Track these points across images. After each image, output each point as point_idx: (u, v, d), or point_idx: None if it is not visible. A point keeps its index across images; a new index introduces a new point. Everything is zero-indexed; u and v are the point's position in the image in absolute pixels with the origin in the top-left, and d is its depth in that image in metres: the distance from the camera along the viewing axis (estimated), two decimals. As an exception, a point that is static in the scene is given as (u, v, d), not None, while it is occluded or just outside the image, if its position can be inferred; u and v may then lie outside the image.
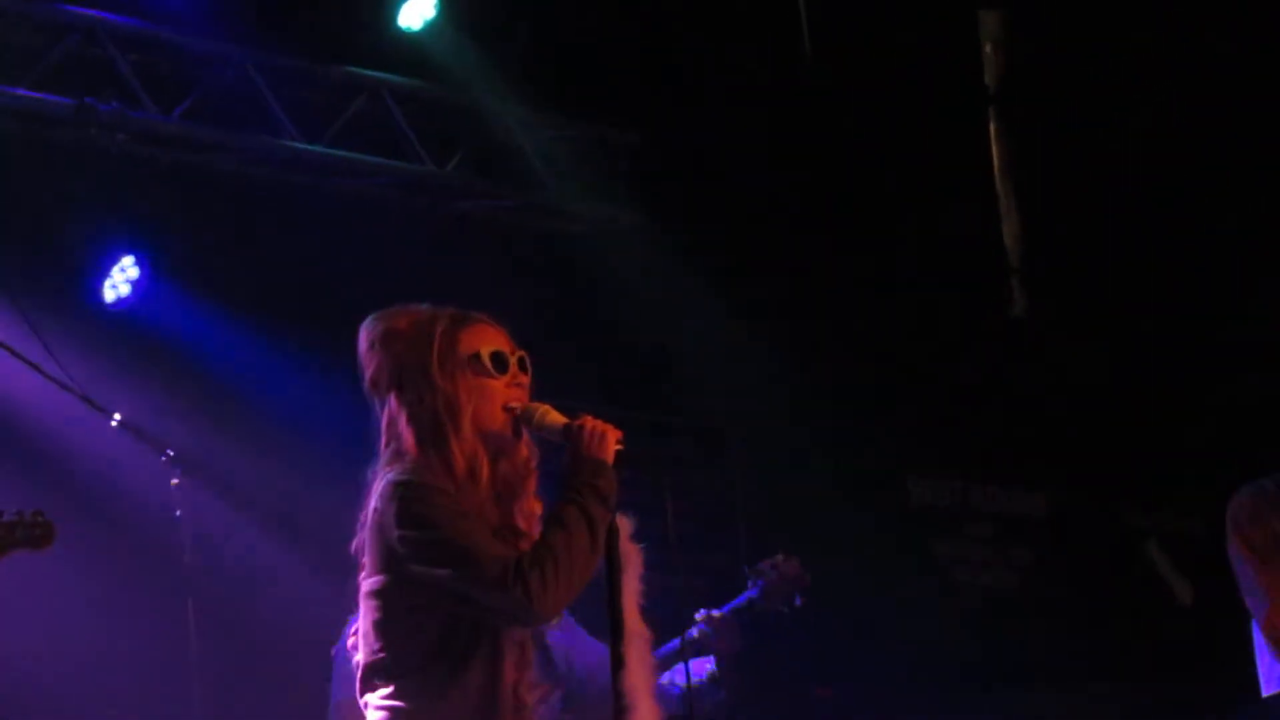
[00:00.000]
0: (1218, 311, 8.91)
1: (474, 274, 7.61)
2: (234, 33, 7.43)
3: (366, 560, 3.47)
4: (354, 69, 7.85)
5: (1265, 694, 5.17)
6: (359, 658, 3.49)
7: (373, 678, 3.43)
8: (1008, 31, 8.84)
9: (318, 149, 7.71)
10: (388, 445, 3.52)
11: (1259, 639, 5.13)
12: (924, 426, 8.95)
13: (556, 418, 3.52)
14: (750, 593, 5.50)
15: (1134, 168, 8.69)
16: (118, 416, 6.75)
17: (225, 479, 7.33)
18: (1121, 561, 9.63)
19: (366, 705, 3.44)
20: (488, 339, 3.56)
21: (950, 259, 8.80)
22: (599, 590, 3.44)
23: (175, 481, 6.76)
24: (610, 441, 3.47)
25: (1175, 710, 7.96)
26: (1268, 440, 6.89)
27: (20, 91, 7.02)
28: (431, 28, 7.74)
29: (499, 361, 3.54)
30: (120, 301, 7.44)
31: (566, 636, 4.94)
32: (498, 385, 3.52)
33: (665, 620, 3.65)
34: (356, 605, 3.50)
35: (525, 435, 3.55)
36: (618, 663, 3.39)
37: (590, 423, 3.48)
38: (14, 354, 6.32)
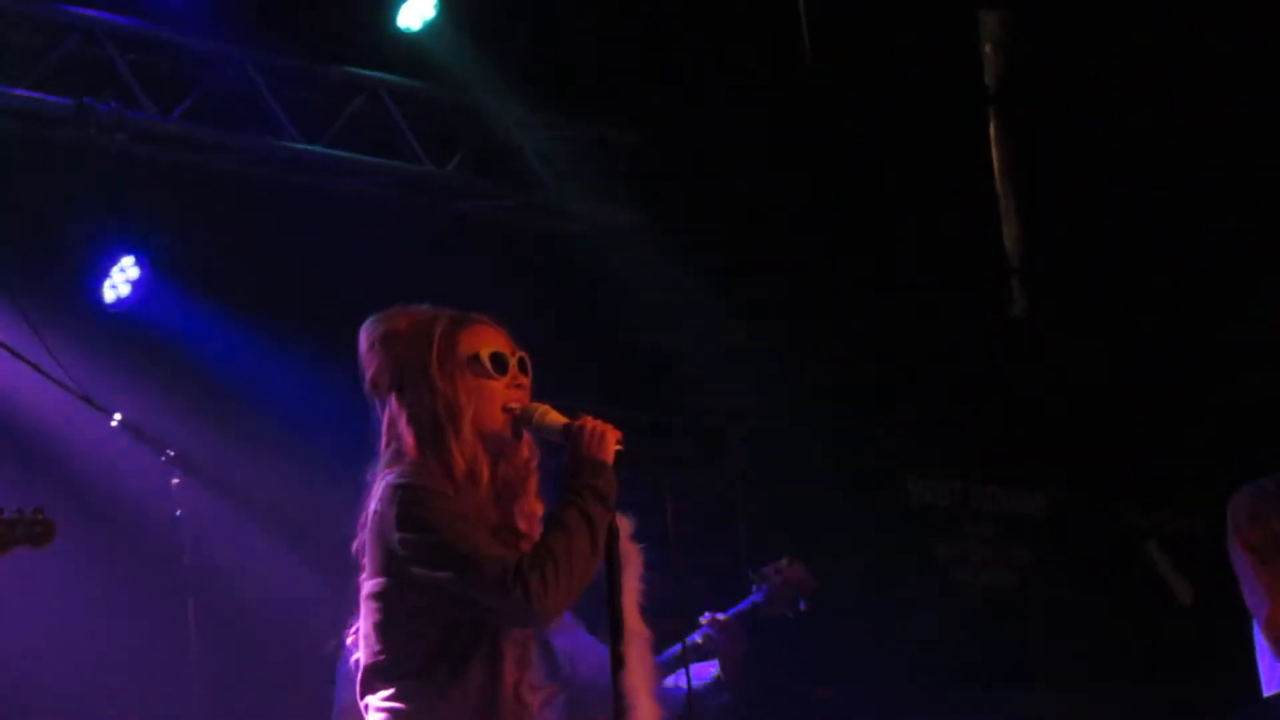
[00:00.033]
0: (1218, 311, 8.92)
1: (474, 274, 7.61)
2: (234, 33, 7.43)
3: (366, 562, 3.47)
4: (353, 69, 7.85)
5: (1266, 694, 5.16)
6: (358, 656, 3.49)
7: (373, 680, 3.43)
8: (1008, 31, 8.84)
9: (317, 149, 7.70)
10: (388, 446, 3.52)
11: (1259, 639, 5.13)
12: (924, 426, 8.96)
13: (556, 418, 3.51)
14: (755, 597, 5.50)
15: (1134, 168, 8.69)
16: (118, 416, 6.76)
17: (225, 479, 7.34)
18: (1121, 561, 9.63)
19: (367, 708, 3.44)
20: (488, 340, 3.56)
21: (950, 259, 8.80)
22: (599, 590, 3.44)
23: (175, 481, 6.77)
24: (610, 441, 3.47)
25: (1175, 710, 7.96)
26: (1268, 440, 6.90)
27: (20, 91, 7.02)
28: (431, 28, 7.74)
29: (499, 362, 3.54)
30: (120, 302, 7.44)
31: (571, 640, 4.94)
32: (497, 386, 3.52)
33: (665, 620, 3.64)
34: (357, 606, 3.50)
35: (526, 436, 3.55)
36: (618, 662, 3.39)
37: (590, 423, 3.48)
38: (14, 354, 6.32)
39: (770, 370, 8.31)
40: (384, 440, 3.54)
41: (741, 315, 8.26)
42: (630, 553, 3.48)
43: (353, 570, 3.50)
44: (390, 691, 3.40)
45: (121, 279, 7.43)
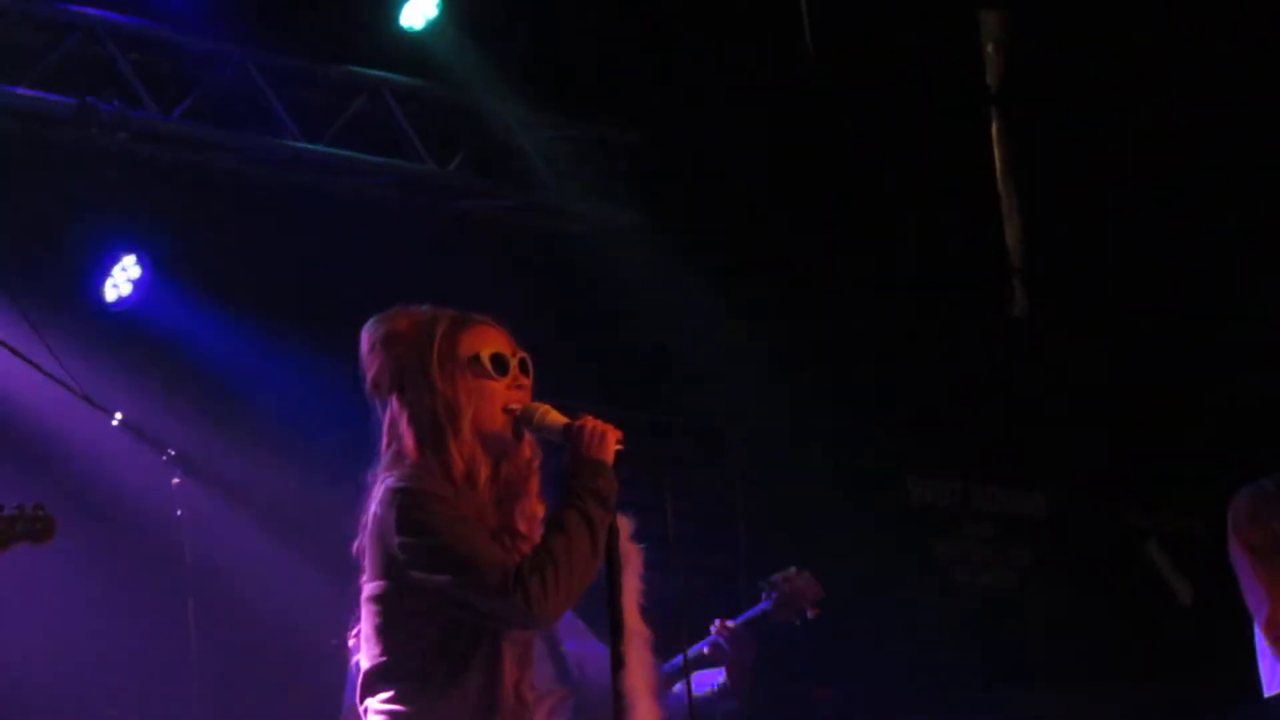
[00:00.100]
0: (1218, 311, 8.91)
1: (474, 274, 7.61)
2: (234, 32, 7.44)
3: (366, 564, 3.47)
4: (355, 68, 7.85)
5: (1266, 694, 5.16)
6: (358, 659, 3.49)
7: (374, 682, 3.43)
8: (1009, 31, 8.84)
9: (318, 148, 7.71)
10: (389, 447, 3.52)
11: (1260, 640, 5.12)
12: (924, 426, 8.95)
13: (556, 418, 3.51)
14: (764, 604, 5.51)
15: (1134, 168, 8.69)
16: (118, 416, 6.76)
17: (225, 479, 7.34)
18: (1121, 561, 9.63)
19: (366, 710, 3.44)
20: (488, 341, 3.56)
21: (950, 259, 8.80)
22: (599, 591, 3.44)
23: (175, 481, 6.78)
24: (610, 442, 3.46)
25: (1175, 710, 7.96)
26: (1268, 440, 6.90)
27: (21, 91, 7.02)
28: (433, 27, 7.74)
29: (499, 363, 3.53)
30: (121, 301, 7.45)
31: (580, 644, 4.95)
32: (498, 387, 3.52)
33: (665, 620, 3.64)
34: (358, 608, 3.50)
35: (527, 436, 3.54)
36: (618, 663, 3.39)
37: (590, 423, 3.47)
38: (14, 353, 6.32)
39: (770, 370, 8.31)
40: (385, 441, 3.54)
41: (741, 315, 8.26)
42: (630, 553, 3.48)
43: (353, 571, 3.50)
44: (390, 693, 3.40)
45: (123, 278, 7.44)
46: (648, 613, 3.48)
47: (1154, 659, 8.95)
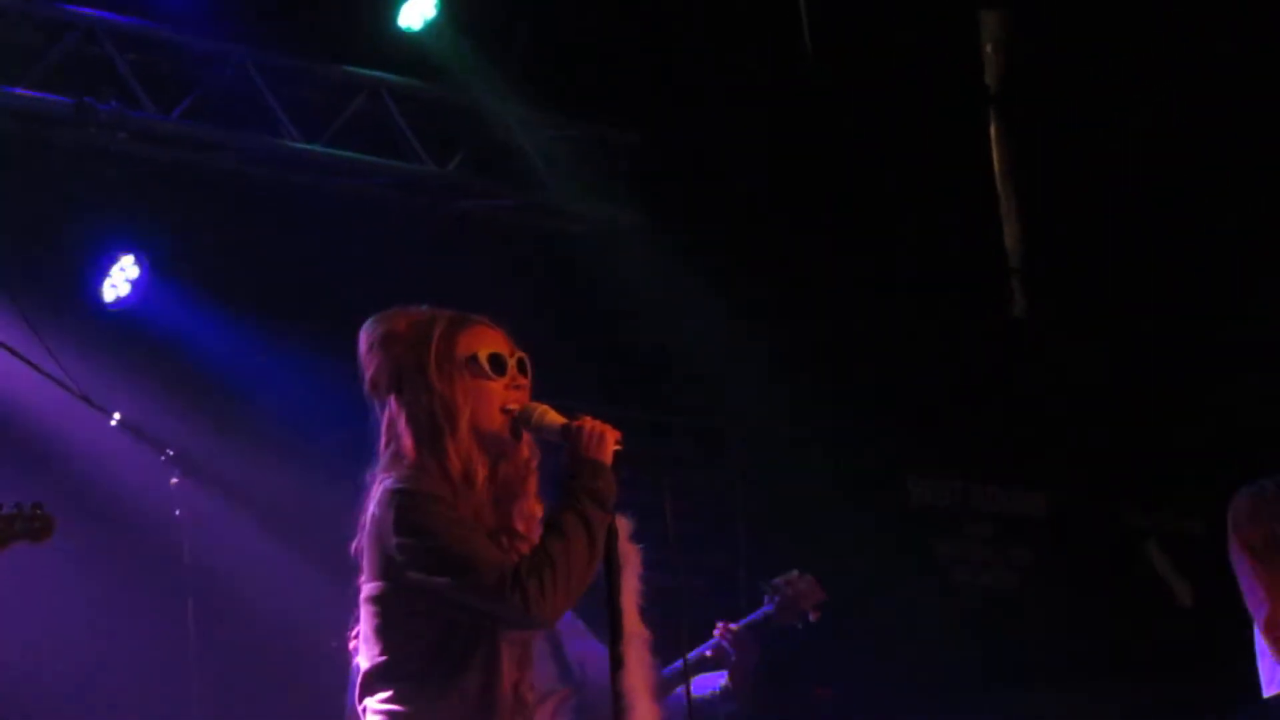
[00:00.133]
0: (1218, 311, 8.91)
1: (474, 274, 7.61)
2: (234, 32, 7.43)
3: (365, 565, 3.46)
4: (354, 68, 7.85)
5: (1266, 694, 5.16)
6: (358, 660, 3.49)
7: (373, 682, 3.43)
8: (1008, 32, 8.85)
9: (317, 148, 7.70)
10: (387, 447, 3.52)
11: (1260, 641, 5.12)
12: (924, 426, 8.95)
13: (555, 418, 3.50)
14: (767, 608, 5.52)
15: (1134, 168, 8.69)
16: (118, 416, 6.76)
17: (225, 479, 7.34)
18: (1121, 561, 9.63)
19: (365, 710, 3.43)
20: (486, 341, 3.55)
21: (950, 259, 8.80)
22: (599, 591, 3.44)
23: (175, 481, 6.77)
24: (609, 442, 3.45)
25: (1175, 710, 7.96)
26: (1268, 440, 6.90)
27: (20, 91, 7.02)
28: (432, 27, 7.74)
29: (497, 363, 3.53)
30: (120, 301, 7.45)
31: (582, 645, 4.94)
32: (496, 387, 3.51)
33: (664, 621, 3.64)
34: (357, 609, 3.50)
35: (526, 436, 3.54)
36: (616, 663, 3.39)
37: (589, 423, 3.47)
38: (14, 354, 6.32)
39: (770, 370, 8.31)
40: (383, 441, 3.53)
41: (741, 315, 8.26)
42: (630, 553, 3.47)
43: (352, 571, 3.50)
44: (389, 693, 3.39)
45: (121, 278, 7.43)
46: (647, 613, 3.48)
47: (1154, 659, 8.95)
